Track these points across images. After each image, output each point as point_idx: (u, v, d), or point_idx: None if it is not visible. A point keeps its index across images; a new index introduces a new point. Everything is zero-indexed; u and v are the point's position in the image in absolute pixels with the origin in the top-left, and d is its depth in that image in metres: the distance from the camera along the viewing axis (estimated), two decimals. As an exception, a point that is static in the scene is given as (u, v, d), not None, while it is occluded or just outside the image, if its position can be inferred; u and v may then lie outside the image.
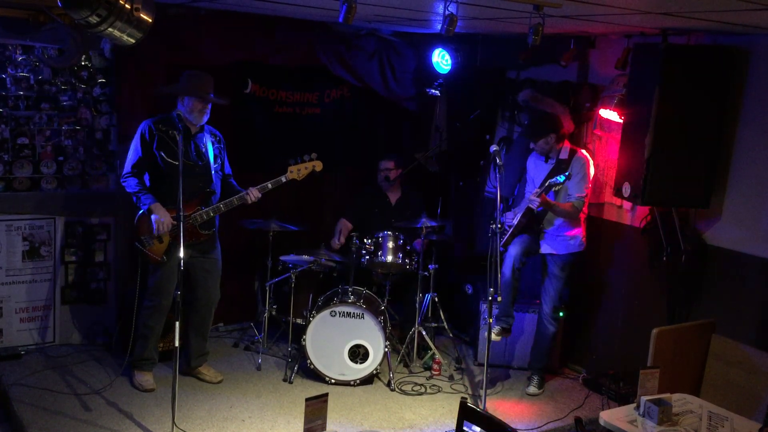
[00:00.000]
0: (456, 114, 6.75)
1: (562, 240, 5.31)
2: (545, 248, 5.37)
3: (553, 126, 5.27)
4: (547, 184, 5.11)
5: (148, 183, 4.97)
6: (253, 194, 5.00)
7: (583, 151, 5.33)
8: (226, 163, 5.22)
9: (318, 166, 5.15)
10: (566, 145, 5.32)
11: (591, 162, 5.31)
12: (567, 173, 5.04)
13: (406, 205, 6.16)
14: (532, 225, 5.31)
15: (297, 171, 5.09)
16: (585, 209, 5.32)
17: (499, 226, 4.88)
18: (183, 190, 4.80)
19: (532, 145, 5.37)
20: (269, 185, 5.03)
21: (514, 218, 5.35)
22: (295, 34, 5.82)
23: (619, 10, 3.92)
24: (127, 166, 4.93)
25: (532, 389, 5.44)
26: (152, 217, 4.83)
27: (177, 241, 4.87)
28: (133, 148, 4.94)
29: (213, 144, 5.07)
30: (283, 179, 5.06)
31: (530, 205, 5.17)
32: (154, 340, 5.15)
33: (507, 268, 5.31)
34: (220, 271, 5.26)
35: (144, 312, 5.10)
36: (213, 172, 5.03)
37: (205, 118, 4.94)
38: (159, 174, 4.93)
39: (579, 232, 5.31)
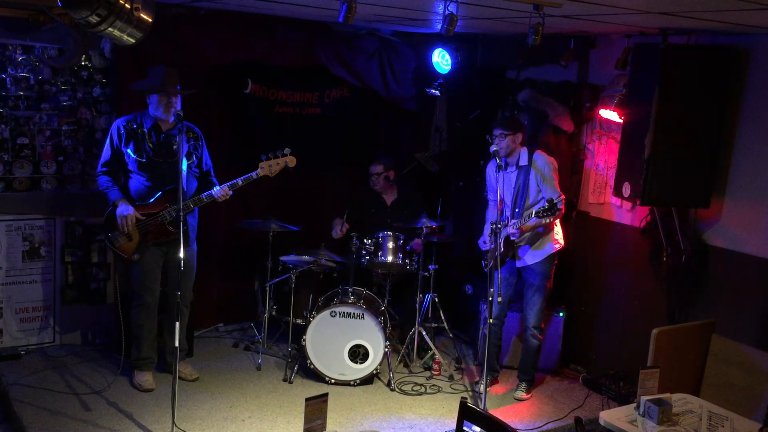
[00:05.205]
0: (456, 114, 6.74)
1: (533, 249, 5.21)
2: (519, 262, 5.29)
3: (521, 126, 5.20)
4: (525, 215, 5.02)
5: (122, 180, 4.99)
6: (224, 192, 4.94)
7: (540, 150, 5.20)
8: (206, 159, 5.15)
9: (291, 161, 5.06)
10: (523, 148, 5.19)
11: (552, 158, 5.17)
12: (548, 201, 4.82)
13: (402, 206, 6.15)
14: (510, 249, 5.23)
15: (269, 167, 4.99)
16: (563, 207, 4.99)
17: (499, 226, 4.89)
18: (151, 187, 4.81)
19: (492, 148, 5.00)
20: (240, 182, 4.96)
21: (489, 245, 5.21)
22: (295, 34, 5.82)
23: (619, 10, 3.92)
24: (99, 165, 4.99)
25: (520, 393, 5.41)
26: (116, 212, 4.84)
27: (147, 239, 4.90)
28: (105, 147, 4.99)
29: (189, 141, 5.01)
30: (254, 176, 4.97)
31: (510, 237, 5.09)
32: (148, 340, 5.14)
33: (485, 328, 5.25)
34: (194, 270, 5.21)
35: (133, 312, 5.12)
36: (184, 169, 4.92)
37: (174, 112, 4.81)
38: (130, 171, 4.94)
39: (550, 236, 5.21)
